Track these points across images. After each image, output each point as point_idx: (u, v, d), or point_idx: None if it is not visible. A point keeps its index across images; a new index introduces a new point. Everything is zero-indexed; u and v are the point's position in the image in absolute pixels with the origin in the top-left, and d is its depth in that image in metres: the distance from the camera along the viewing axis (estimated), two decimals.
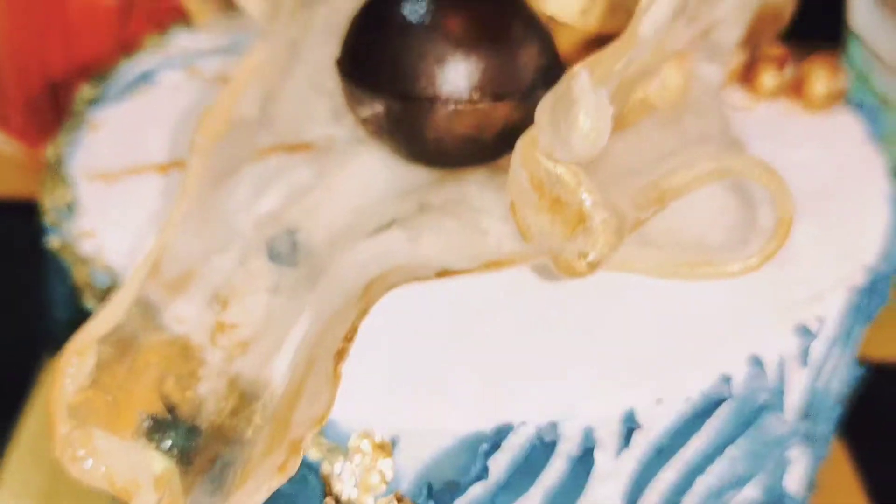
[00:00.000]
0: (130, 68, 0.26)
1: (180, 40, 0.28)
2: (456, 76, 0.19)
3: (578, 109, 0.15)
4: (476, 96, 0.19)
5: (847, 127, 0.25)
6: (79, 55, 0.44)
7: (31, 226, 0.25)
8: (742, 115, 0.25)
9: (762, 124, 0.25)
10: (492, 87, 0.19)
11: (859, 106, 0.26)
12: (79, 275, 0.19)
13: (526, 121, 0.20)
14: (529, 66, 0.19)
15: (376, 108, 0.19)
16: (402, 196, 0.20)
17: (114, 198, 0.22)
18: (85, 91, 0.25)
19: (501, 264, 0.17)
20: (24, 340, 0.34)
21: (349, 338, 0.15)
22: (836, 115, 0.25)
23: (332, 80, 0.21)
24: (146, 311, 0.18)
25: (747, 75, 0.25)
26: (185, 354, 0.17)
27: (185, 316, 0.18)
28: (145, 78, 0.26)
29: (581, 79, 0.15)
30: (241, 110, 0.20)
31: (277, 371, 0.17)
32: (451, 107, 0.19)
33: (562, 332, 0.18)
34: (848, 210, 0.22)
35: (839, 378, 0.21)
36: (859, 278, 0.20)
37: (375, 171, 0.21)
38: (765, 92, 0.25)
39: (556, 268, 0.17)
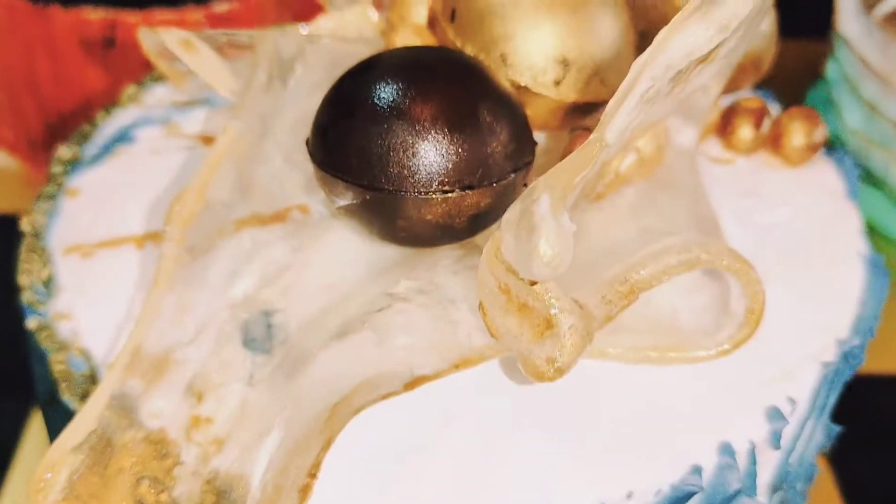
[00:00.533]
0: (108, 124, 0.26)
1: (157, 92, 0.28)
2: (426, 168, 0.19)
3: (539, 237, 0.15)
4: (446, 187, 0.19)
5: (825, 181, 0.25)
6: (66, 74, 0.44)
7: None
8: (719, 170, 0.25)
9: (739, 179, 0.25)
10: (462, 178, 0.19)
11: (839, 156, 0.26)
12: (56, 362, 0.20)
13: (496, 206, 0.20)
14: (500, 153, 0.19)
15: (346, 195, 0.19)
16: (375, 277, 0.20)
17: (90, 274, 0.22)
18: (62, 152, 0.25)
19: (471, 362, 0.17)
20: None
21: (313, 474, 0.15)
22: (815, 168, 0.25)
23: (304, 154, 0.21)
24: (122, 406, 0.18)
25: (725, 128, 0.25)
26: (160, 453, 0.17)
27: (161, 410, 0.18)
28: (123, 138, 0.26)
29: (541, 205, 0.15)
30: (215, 191, 0.20)
31: (254, 470, 0.17)
32: (421, 197, 0.19)
33: (531, 427, 0.18)
34: (822, 276, 0.22)
35: (813, 445, 0.22)
36: (831, 353, 0.20)
37: (349, 245, 0.21)
38: (742, 147, 0.25)
39: (524, 369, 0.17)
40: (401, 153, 0.19)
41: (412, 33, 0.23)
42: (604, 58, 0.22)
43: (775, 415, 0.19)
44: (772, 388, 0.19)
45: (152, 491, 0.17)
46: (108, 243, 0.22)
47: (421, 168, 0.19)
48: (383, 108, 0.19)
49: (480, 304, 0.17)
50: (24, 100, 0.47)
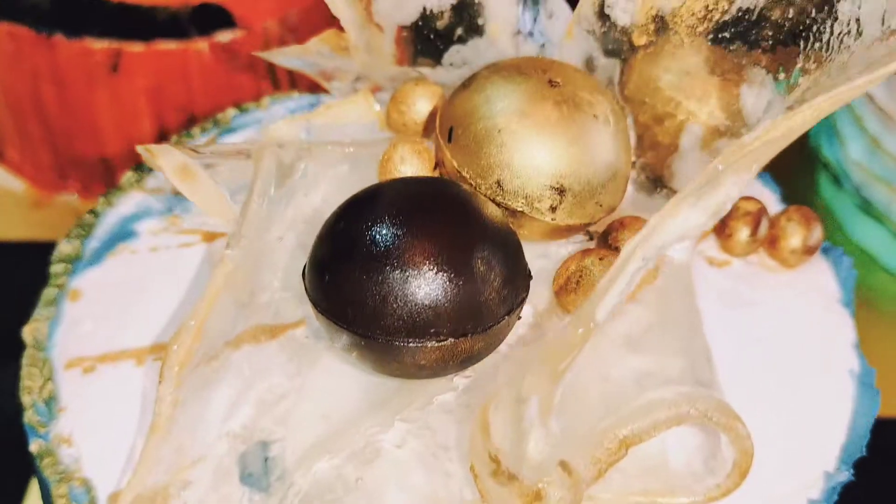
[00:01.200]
0: (110, 214, 0.27)
1: (159, 175, 0.28)
2: (420, 318, 0.19)
3: (528, 443, 0.15)
4: (441, 336, 0.19)
5: (820, 285, 0.25)
6: (72, 99, 0.44)
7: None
8: (714, 273, 0.25)
9: (733, 284, 0.25)
10: (456, 326, 0.19)
11: (837, 256, 0.26)
12: (58, 496, 0.20)
13: (490, 346, 0.20)
14: (494, 300, 0.19)
15: (341, 338, 0.20)
16: (371, 409, 0.20)
17: (92, 391, 0.22)
18: (62, 247, 0.25)
19: None
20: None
21: None
22: (811, 270, 0.25)
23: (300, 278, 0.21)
24: None
25: (722, 230, 0.25)
26: None
27: None
28: (124, 234, 0.26)
29: (530, 409, 0.15)
30: (212, 324, 0.20)
31: None
32: (416, 346, 0.19)
33: None
34: (811, 397, 0.22)
35: None
36: (818, 489, 0.21)
37: (345, 372, 0.21)
38: (739, 250, 0.25)
39: None
40: (396, 303, 0.19)
41: (410, 151, 0.23)
42: (600, 181, 0.22)
43: None
44: None
45: None
46: (109, 357, 0.23)
47: (416, 318, 0.19)
48: (379, 254, 0.19)
49: (472, 467, 0.18)
50: (30, 123, 0.47)
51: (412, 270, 0.19)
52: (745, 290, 0.25)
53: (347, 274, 0.19)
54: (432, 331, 0.19)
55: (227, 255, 0.21)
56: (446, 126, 0.22)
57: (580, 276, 0.22)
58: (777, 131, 0.17)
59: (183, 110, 0.44)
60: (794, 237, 0.25)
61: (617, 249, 0.22)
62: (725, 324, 0.23)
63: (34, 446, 0.21)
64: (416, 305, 0.19)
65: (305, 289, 0.20)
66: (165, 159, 0.22)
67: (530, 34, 0.25)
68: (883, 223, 0.48)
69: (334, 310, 0.19)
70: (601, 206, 0.22)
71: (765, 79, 0.22)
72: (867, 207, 0.48)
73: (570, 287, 0.22)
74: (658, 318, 0.21)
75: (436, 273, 0.19)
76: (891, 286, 0.48)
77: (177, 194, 0.27)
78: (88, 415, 0.22)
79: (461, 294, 0.19)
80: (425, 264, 0.19)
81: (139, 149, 0.23)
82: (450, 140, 0.22)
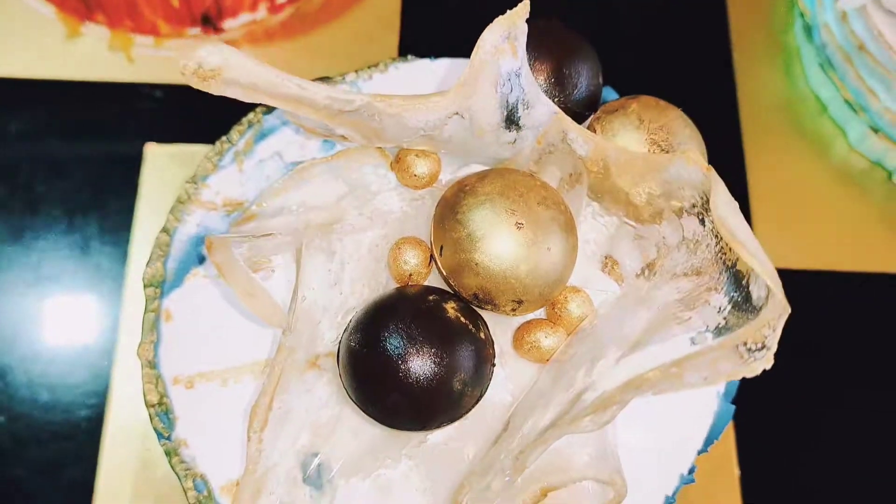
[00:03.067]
0: (179, 232, 0.34)
1: (211, 187, 0.35)
2: (413, 410, 0.29)
3: None
4: (426, 427, 0.29)
5: None
6: None
7: None
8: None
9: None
10: (437, 420, 0.29)
11: None
12: (187, 489, 0.31)
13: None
14: (467, 398, 0.29)
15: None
16: (386, 438, 0.31)
17: (195, 404, 0.32)
18: (148, 271, 0.34)
19: None
20: None
21: None
22: None
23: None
24: None
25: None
26: None
27: None
28: (195, 258, 0.34)
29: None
30: (281, 400, 0.30)
31: None
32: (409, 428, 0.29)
33: None
34: (677, 411, 0.32)
35: None
36: (672, 487, 0.32)
37: None
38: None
39: None
40: (397, 398, 0.28)
41: (411, 247, 0.30)
42: (549, 290, 0.30)
43: None
44: None
45: None
46: (202, 376, 0.32)
47: (411, 410, 0.29)
48: (387, 359, 0.28)
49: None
50: None
51: (411, 374, 0.28)
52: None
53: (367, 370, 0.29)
54: (416, 423, 0.29)
55: (284, 341, 0.30)
56: (438, 244, 0.30)
57: (531, 345, 0.31)
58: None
59: None
60: None
61: (560, 318, 0.31)
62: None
63: (163, 446, 0.32)
64: (411, 400, 0.28)
65: (339, 368, 0.30)
66: (222, 256, 0.29)
67: (511, 124, 0.31)
68: (837, 87, 0.54)
69: (356, 397, 0.29)
70: (549, 300, 0.30)
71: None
72: (826, 67, 0.54)
73: (525, 348, 0.31)
74: None
75: (425, 377, 0.28)
76: (836, 136, 0.55)
77: (229, 213, 0.35)
78: (196, 422, 0.32)
79: (441, 394, 0.29)
80: (418, 371, 0.28)
81: (207, 240, 0.30)
82: (441, 254, 0.30)
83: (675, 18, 0.58)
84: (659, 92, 0.35)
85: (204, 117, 0.54)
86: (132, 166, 0.52)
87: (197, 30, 0.55)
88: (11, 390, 0.47)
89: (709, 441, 0.33)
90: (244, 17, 0.55)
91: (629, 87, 0.38)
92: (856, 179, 0.54)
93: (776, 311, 0.23)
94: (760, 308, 0.24)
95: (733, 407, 0.33)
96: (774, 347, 0.23)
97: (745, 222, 0.24)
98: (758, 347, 0.23)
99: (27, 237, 0.50)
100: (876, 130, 0.51)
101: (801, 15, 0.55)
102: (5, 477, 0.46)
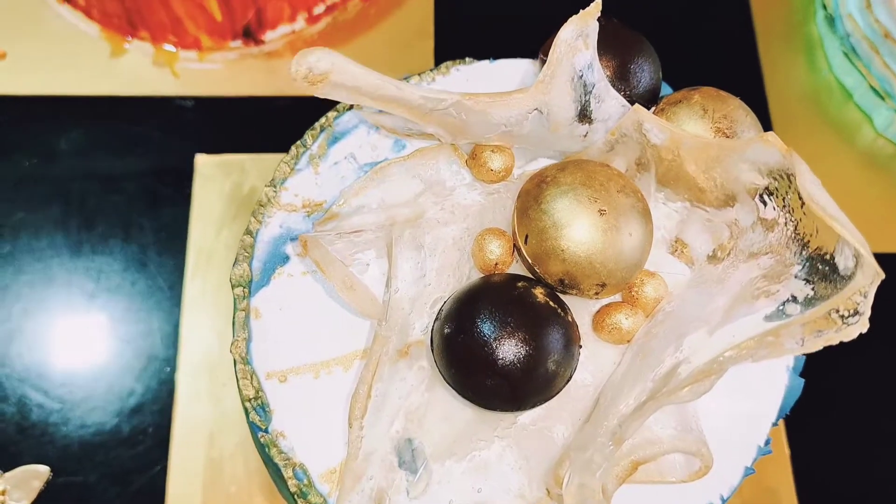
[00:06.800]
0: (262, 233, 0.36)
1: (291, 189, 0.36)
2: (505, 392, 0.30)
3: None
4: (519, 408, 0.30)
5: None
6: None
7: None
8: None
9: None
10: (530, 401, 0.30)
11: None
12: (288, 478, 0.33)
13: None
14: (557, 377, 0.30)
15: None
16: (477, 421, 0.32)
17: (289, 397, 0.34)
18: (235, 271, 0.35)
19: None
20: None
21: None
22: None
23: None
24: None
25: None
26: None
27: None
28: (279, 258, 0.35)
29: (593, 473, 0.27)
30: (377, 388, 0.31)
31: None
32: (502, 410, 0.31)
33: None
34: (753, 386, 0.34)
35: None
36: (751, 457, 0.33)
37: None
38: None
39: None
40: (491, 380, 0.30)
41: (494, 237, 0.32)
42: (628, 274, 0.31)
43: None
44: (710, 489, 0.33)
45: None
46: (293, 371, 0.34)
47: (504, 392, 0.30)
48: (481, 342, 0.29)
49: (548, 491, 0.30)
50: None
51: (507, 358, 0.30)
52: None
53: (465, 355, 0.30)
54: (512, 403, 0.30)
55: (380, 331, 0.31)
56: (523, 232, 0.31)
57: (612, 327, 0.32)
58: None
59: None
60: None
61: (637, 301, 0.33)
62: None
63: (261, 438, 0.33)
64: (508, 382, 0.30)
65: (434, 359, 0.31)
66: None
67: (584, 118, 0.33)
68: (863, 75, 0.56)
69: (453, 379, 0.31)
70: (628, 284, 0.32)
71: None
72: (851, 56, 0.56)
73: (606, 330, 0.33)
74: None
75: (520, 360, 0.30)
76: (862, 122, 0.57)
77: (309, 214, 0.36)
78: (291, 414, 0.33)
79: (535, 375, 0.30)
80: (513, 354, 0.30)
81: (301, 237, 0.32)
82: (525, 242, 0.31)
83: (699, 15, 0.60)
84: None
85: (250, 127, 0.56)
86: (182, 177, 0.53)
87: (238, 42, 0.56)
88: (78, 399, 0.48)
89: (781, 413, 0.34)
90: (283, 29, 0.56)
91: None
92: (883, 163, 0.55)
93: (868, 277, 0.24)
94: (849, 277, 0.25)
95: (802, 381, 0.35)
96: (868, 312, 0.24)
97: (830, 197, 0.26)
98: (850, 314, 0.25)
99: (85, 251, 0.51)
100: None
101: (823, 6, 0.57)
102: (76, 484, 0.47)
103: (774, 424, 0.34)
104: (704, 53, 0.59)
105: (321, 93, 0.28)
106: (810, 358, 0.36)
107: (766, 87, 0.58)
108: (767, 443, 0.34)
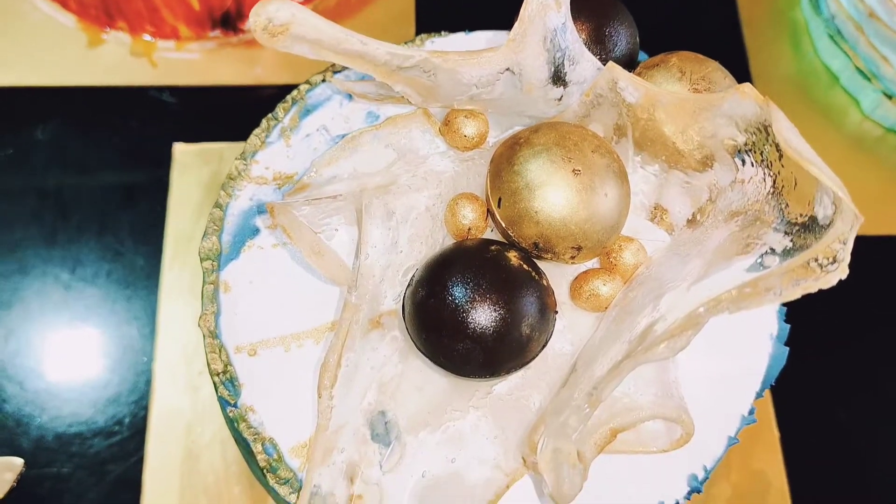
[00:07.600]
0: (232, 207, 0.35)
1: (261, 162, 0.35)
2: (480, 357, 0.29)
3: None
4: (495, 373, 0.30)
5: None
6: None
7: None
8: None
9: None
10: (506, 366, 0.29)
11: None
12: (257, 452, 0.32)
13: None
14: (533, 342, 0.29)
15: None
16: (451, 391, 0.31)
17: (259, 371, 0.33)
18: (204, 244, 0.34)
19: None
20: None
21: None
22: None
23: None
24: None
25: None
26: None
27: (332, 488, 0.31)
28: (249, 231, 0.34)
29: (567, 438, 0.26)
30: (347, 358, 0.30)
31: None
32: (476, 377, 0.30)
33: None
34: (736, 353, 0.33)
35: None
36: (735, 427, 0.32)
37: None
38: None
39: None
40: (465, 345, 0.29)
41: (467, 202, 0.31)
42: (605, 237, 0.31)
43: (693, 479, 0.32)
44: (693, 459, 0.32)
45: None
46: (263, 344, 0.33)
47: (478, 357, 0.29)
48: (455, 308, 0.29)
49: (523, 459, 0.29)
50: None
51: (480, 322, 0.29)
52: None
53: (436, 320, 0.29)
54: (485, 369, 0.29)
55: (350, 299, 0.30)
56: (496, 195, 0.30)
57: (589, 293, 0.31)
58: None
59: None
60: None
61: (616, 267, 0.32)
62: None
63: (230, 413, 0.32)
64: (481, 347, 0.29)
65: (406, 326, 0.30)
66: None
67: (558, 80, 0.32)
68: (848, 57, 0.55)
69: (425, 345, 0.30)
70: (605, 247, 0.31)
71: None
72: (836, 38, 0.55)
73: (583, 297, 0.32)
74: None
75: (493, 324, 0.29)
76: (849, 106, 0.56)
77: (280, 187, 0.35)
78: (261, 388, 0.32)
79: (509, 340, 0.29)
80: (486, 318, 0.29)
81: (268, 206, 0.31)
82: (499, 206, 0.30)
83: (684, 1, 0.60)
84: None
85: (228, 116, 0.55)
86: (160, 166, 0.52)
87: (217, 32, 0.55)
88: (54, 389, 0.47)
89: (766, 383, 0.33)
90: None
91: None
92: (871, 146, 0.55)
93: (847, 223, 0.23)
94: (828, 225, 0.24)
95: (787, 349, 0.34)
96: (847, 259, 0.23)
97: (808, 144, 0.25)
98: (829, 261, 0.24)
99: (61, 241, 0.51)
100: (890, 97, 0.52)
101: None
102: (51, 475, 0.46)
103: (760, 395, 0.33)
104: (689, 40, 0.58)
105: (281, 46, 0.28)
106: (796, 330, 0.35)
107: (751, 73, 0.57)
108: (752, 412, 0.33)
